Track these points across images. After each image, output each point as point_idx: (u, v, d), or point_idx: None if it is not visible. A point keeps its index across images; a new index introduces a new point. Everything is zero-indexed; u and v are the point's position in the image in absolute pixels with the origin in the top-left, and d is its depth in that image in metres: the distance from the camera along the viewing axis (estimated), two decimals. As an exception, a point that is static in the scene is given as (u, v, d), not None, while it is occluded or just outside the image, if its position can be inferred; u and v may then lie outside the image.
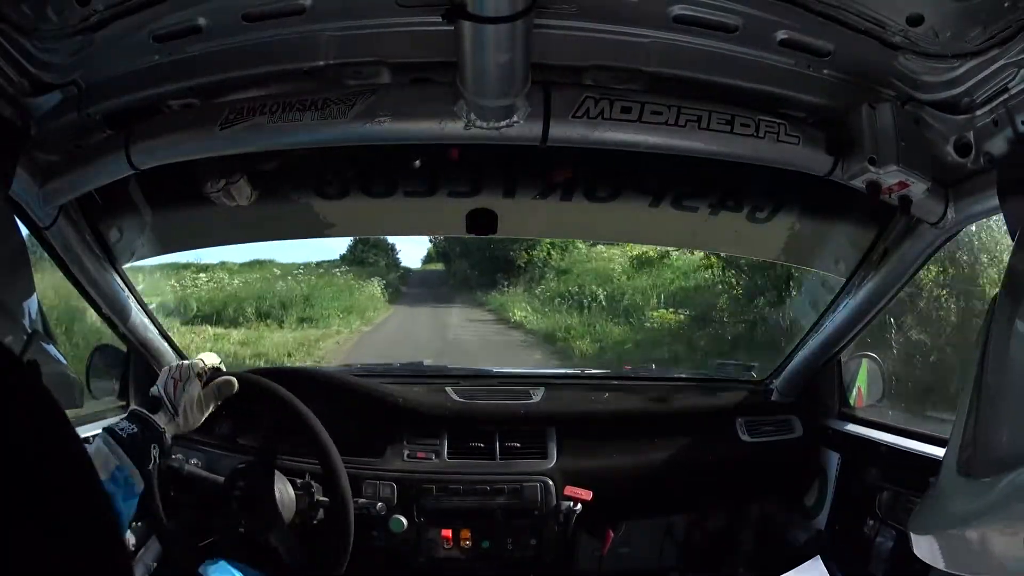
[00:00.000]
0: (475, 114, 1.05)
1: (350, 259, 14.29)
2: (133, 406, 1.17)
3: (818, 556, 1.18)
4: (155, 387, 1.20)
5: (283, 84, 1.10)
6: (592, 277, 11.01)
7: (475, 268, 14.34)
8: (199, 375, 1.21)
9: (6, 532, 0.32)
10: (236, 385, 1.25)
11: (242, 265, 12.38)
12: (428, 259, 17.91)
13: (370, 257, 14.75)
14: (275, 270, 12.57)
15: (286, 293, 11.61)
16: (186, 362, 1.23)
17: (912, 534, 0.94)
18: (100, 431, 1.10)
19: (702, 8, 0.98)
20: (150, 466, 1.09)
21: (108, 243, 1.44)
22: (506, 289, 12.86)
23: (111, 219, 1.43)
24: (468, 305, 13.07)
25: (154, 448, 1.10)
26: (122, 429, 1.09)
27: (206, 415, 1.21)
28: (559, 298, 11.09)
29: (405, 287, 15.31)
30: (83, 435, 1.46)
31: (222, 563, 1.33)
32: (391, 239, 15.70)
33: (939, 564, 0.85)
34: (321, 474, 1.44)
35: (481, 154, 1.38)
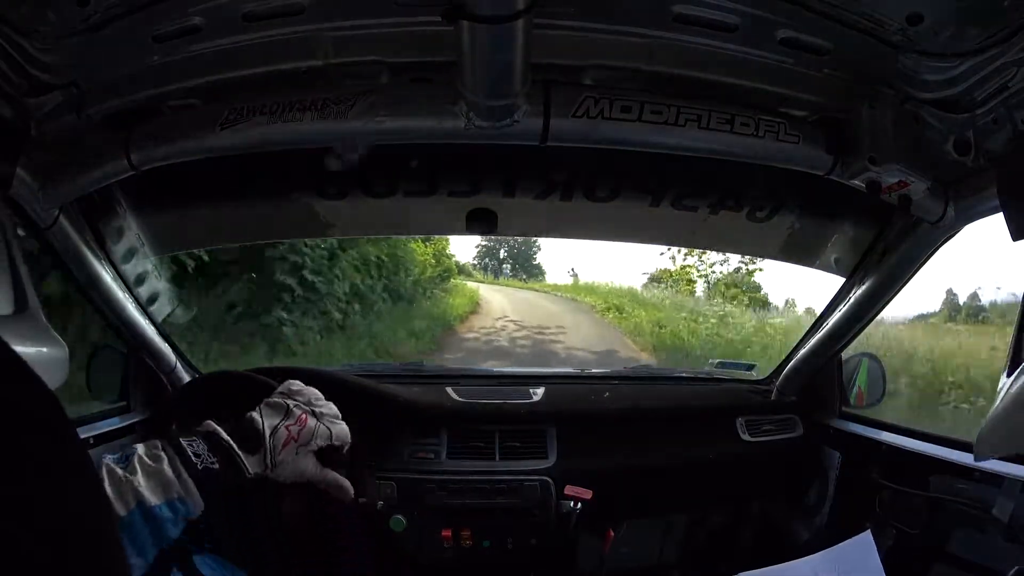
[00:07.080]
0: (475, 113, 1.05)
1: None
2: (225, 436, 0.85)
3: (868, 531, 1.19)
4: (261, 420, 0.88)
5: (283, 84, 1.09)
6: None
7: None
8: (320, 450, 0.92)
9: (3, 531, 0.31)
10: (351, 492, 0.96)
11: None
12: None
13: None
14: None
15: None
16: (313, 423, 0.92)
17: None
18: (165, 445, 0.82)
19: (702, 7, 0.98)
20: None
21: (108, 243, 1.44)
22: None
23: (111, 219, 1.43)
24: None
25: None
26: (198, 456, 0.82)
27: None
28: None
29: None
30: (83, 435, 1.46)
31: (209, 556, 1.31)
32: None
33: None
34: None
35: (481, 154, 1.38)
